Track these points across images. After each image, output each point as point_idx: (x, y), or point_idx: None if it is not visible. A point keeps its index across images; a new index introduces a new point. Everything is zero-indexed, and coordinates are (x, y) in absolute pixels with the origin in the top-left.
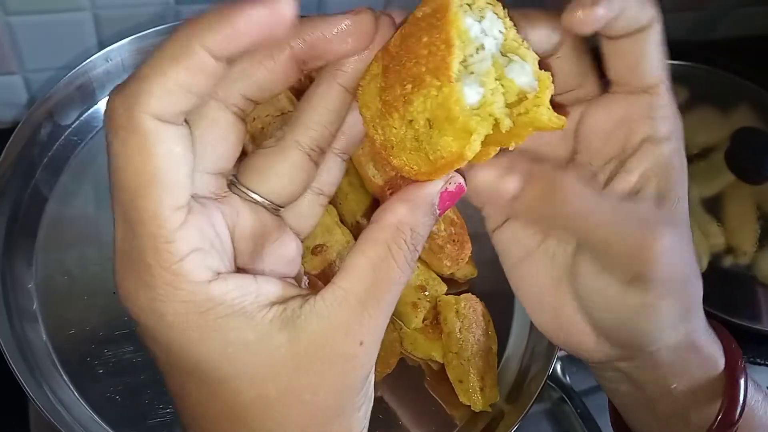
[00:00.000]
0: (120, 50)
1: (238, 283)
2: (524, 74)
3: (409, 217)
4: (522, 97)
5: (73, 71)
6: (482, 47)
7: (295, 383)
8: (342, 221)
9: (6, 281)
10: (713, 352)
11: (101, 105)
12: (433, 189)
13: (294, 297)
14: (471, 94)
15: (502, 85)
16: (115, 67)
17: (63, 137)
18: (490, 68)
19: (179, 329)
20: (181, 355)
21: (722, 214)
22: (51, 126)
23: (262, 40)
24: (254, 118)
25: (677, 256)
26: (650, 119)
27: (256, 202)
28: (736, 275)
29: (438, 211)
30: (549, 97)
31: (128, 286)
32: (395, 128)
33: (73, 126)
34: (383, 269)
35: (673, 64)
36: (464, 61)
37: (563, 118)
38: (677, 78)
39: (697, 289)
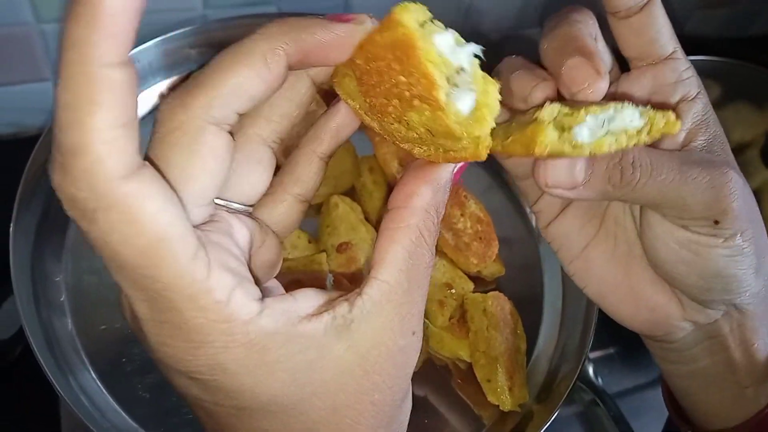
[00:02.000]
0: (147, 52)
1: (282, 307)
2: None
3: (434, 199)
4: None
5: None
6: (461, 69)
7: (363, 387)
8: (367, 219)
9: (35, 272)
10: None
11: None
12: (450, 167)
13: (336, 301)
14: (464, 105)
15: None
16: (143, 68)
17: None
18: (477, 73)
19: (246, 373)
20: (252, 397)
21: (761, 212)
22: None
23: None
24: None
25: (747, 193)
26: (680, 82)
27: (235, 211)
28: None
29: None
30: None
31: (177, 352)
32: (393, 125)
33: None
34: (418, 255)
35: (707, 60)
36: (448, 80)
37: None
38: (712, 74)
39: (764, 235)
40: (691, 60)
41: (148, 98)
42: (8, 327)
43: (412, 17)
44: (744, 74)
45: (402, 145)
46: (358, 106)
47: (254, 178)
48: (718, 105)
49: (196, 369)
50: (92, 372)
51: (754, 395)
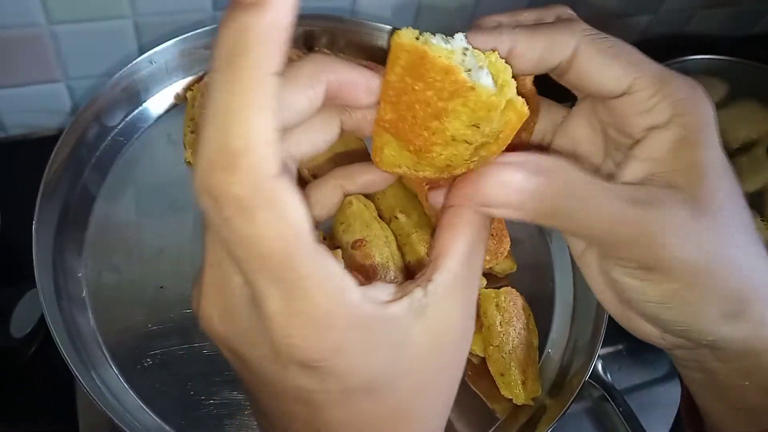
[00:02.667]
0: (164, 53)
1: (371, 293)
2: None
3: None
4: None
5: (118, 74)
6: (465, 50)
7: (437, 366)
8: (380, 216)
9: (57, 268)
10: None
11: (146, 106)
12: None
13: (410, 287)
14: (487, 81)
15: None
16: (159, 69)
17: (109, 138)
18: (477, 54)
19: (357, 354)
20: (359, 378)
21: (765, 210)
22: (98, 127)
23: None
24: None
25: (692, 243)
26: (645, 113)
27: None
28: None
29: None
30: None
31: (304, 341)
32: (443, 155)
33: (119, 127)
34: (476, 248)
35: (713, 59)
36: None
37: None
38: (717, 73)
39: (752, 284)
40: (695, 59)
41: (164, 99)
42: (23, 326)
43: (409, 36)
44: (749, 72)
45: (458, 172)
46: (406, 168)
47: None
48: (723, 104)
49: (319, 355)
50: (114, 367)
51: (746, 418)
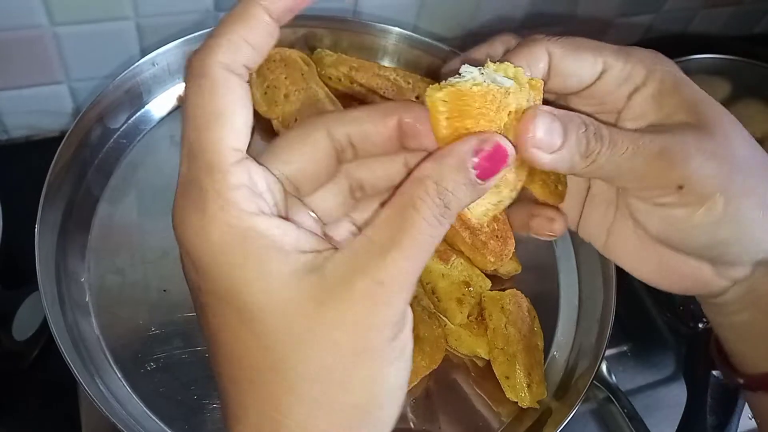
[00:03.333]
0: (166, 54)
1: (281, 224)
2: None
3: (432, 170)
4: None
5: (120, 76)
6: (480, 70)
7: (321, 319)
8: None
9: (60, 272)
10: None
11: (149, 108)
12: (463, 146)
13: (327, 248)
14: (508, 82)
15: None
16: (162, 71)
17: (112, 140)
18: (485, 69)
19: (222, 252)
20: (221, 281)
21: None
22: (101, 129)
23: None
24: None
25: (714, 159)
26: (624, 82)
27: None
28: None
29: (475, 172)
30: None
31: (182, 212)
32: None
33: (121, 129)
34: (406, 218)
35: (715, 59)
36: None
37: None
38: (720, 72)
39: None
40: (697, 59)
41: (167, 101)
42: (25, 330)
43: (438, 89)
44: (751, 72)
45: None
46: (501, 194)
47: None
48: (726, 103)
49: (190, 232)
50: (116, 371)
51: None
